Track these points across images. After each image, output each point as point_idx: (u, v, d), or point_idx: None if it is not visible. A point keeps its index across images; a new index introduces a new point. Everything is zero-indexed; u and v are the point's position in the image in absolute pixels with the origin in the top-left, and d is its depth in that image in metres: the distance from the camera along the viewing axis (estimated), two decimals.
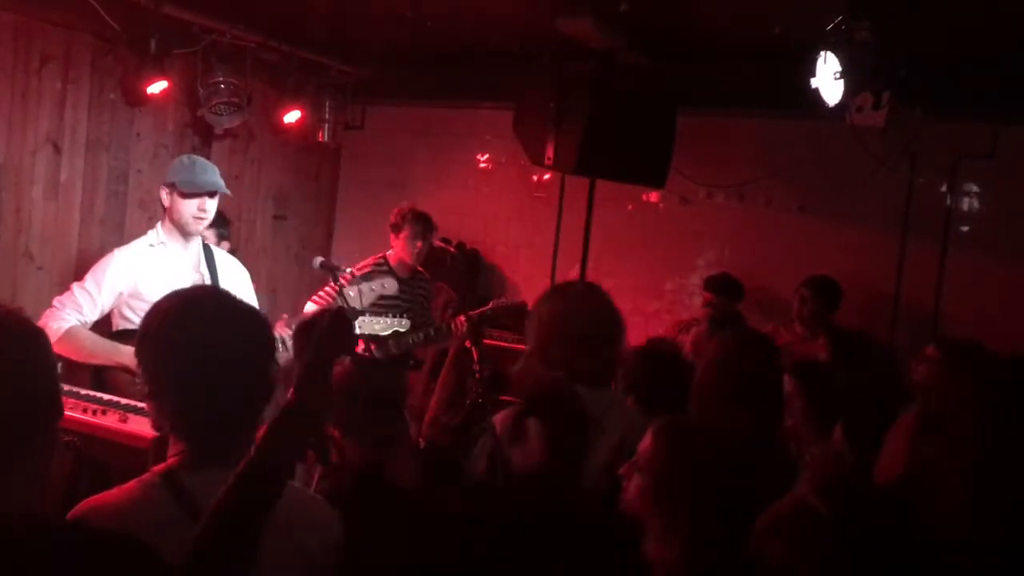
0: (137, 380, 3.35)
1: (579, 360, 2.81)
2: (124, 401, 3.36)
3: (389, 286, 5.01)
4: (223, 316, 1.88)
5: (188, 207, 3.79)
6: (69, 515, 1.72)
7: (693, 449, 2.11)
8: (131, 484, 1.78)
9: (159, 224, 3.92)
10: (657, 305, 6.34)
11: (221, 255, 4.06)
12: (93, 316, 3.76)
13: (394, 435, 2.55)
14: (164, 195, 3.83)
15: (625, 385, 3.25)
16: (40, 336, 1.53)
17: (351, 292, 4.86)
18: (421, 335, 4.86)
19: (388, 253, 5.29)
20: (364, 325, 4.24)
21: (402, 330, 4.40)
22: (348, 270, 4.83)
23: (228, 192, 4.02)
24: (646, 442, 2.15)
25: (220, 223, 4.86)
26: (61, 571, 1.03)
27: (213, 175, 3.87)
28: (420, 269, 5.36)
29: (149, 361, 1.85)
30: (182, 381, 1.80)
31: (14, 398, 1.42)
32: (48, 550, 1.04)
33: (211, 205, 3.84)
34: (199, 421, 1.80)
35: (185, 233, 3.86)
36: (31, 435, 1.44)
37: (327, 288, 4.95)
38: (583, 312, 2.87)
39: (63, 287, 3.97)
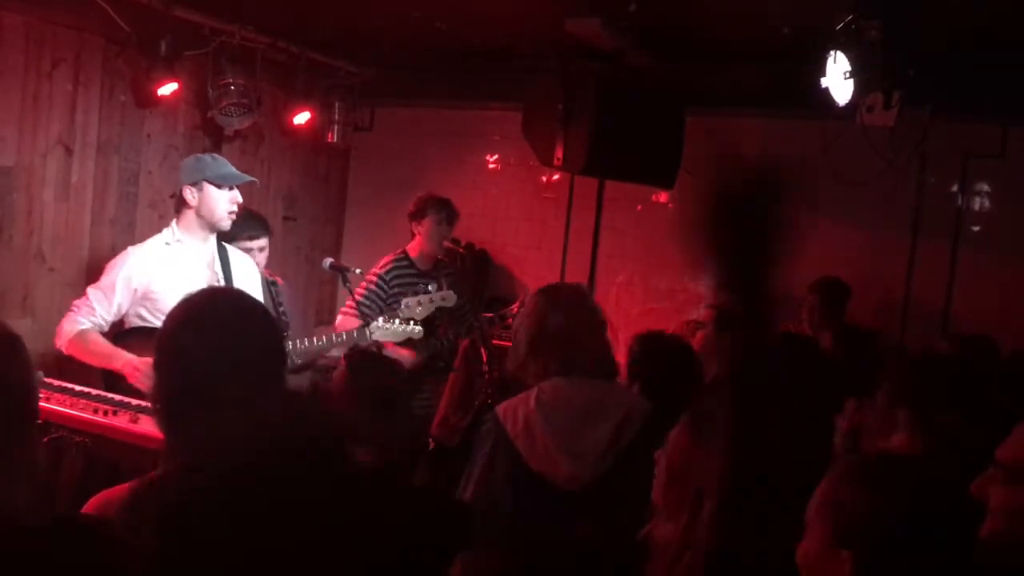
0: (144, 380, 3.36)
1: (572, 357, 2.85)
2: (135, 402, 3.37)
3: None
4: (237, 320, 1.91)
5: (222, 201, 3.85)
6: (83, 508, 1.75)
7: (707, 436, 2.12)
8: (144, 479, 1.81)
9: (174, 223, 3.94)
10: (667, 305, 6.32)
11: (235, 253, 4.08)
12: (110, 316, 3.78)
13: (396, 435, 2.56)
14: (190, 193, 3.83)
15: (629, 374, 3.29)
16: (12, 341, 1.54)
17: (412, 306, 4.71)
18: (442, 343, 4.80)
19: (407, 247, 5.16)
20: (377, 331, 4.23)
21: (415, 338, 4.38)
22: (358, 271, 4.82)
23: (256, 181, 4.12)
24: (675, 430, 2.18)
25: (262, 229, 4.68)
26: (35, 572, 1.02)
27: (234, 168, 3.96)
28: (442, 258, 5.21)
29: (166, 366, 1.87)
30: (199, 384, 1.82)
31: None
32: (19, 551, 1.03)
33: (239, 198, 3.92)
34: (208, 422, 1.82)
35: (213, 229, 3.90)
36: (3, 439, 1.45)
37: (357, 294, 4.87)
38: (559, 308, 2.92)
39: (75, 288, 4.00)
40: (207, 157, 3.97)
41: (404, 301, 4.38)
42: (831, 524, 1.55)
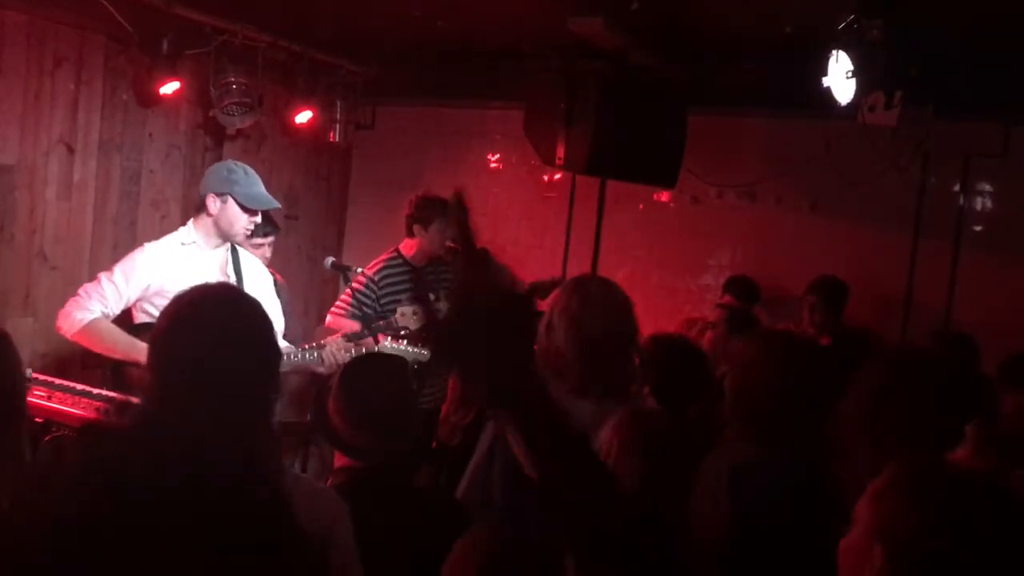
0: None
1: (593, 369, 2.71)
2: (136, 400, 3.37)
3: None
4: (230, 317, 1.90)
5: (242, 219, 3.87)
6: None
7: (641, 427, 2.12)
8: None
9: (191, 222, 3.95)
10: (668, 305, 6.32)
11: (247, 257, 4.09)
12: (117, 309, 3.78)
13: (396, 443, 2.54)
14: (214, 202, 3.83)
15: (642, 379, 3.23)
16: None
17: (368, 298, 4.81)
18: None
19: (401, 246, 5.14)
20: (385, 351, 4.22)
21: (422, 360, 4.34)
22: (359, 270, 4.82)
23: (280, 206, 4.18)
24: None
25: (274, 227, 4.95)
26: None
27: (263, 187, 3.96)
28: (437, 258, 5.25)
29: (160, 362, 1.87)
30: (194, 381, 1.82)
31: None
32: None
33: (259, 220, 3.98)
34: (211, 419, 1.82)
35: (226, 239, 3.92)
36: None
37: (344, 296, 4.89)
38: (598, 319, 2.74)
39: (76, 287, 3.98)
40: (239, 170, 3.91)
41: (384, 344, 4.29)
42: (874, 519, 1.54)
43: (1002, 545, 1.46)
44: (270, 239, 4.76)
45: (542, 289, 4.89)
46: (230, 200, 3.83)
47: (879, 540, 1.50)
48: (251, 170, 3.96)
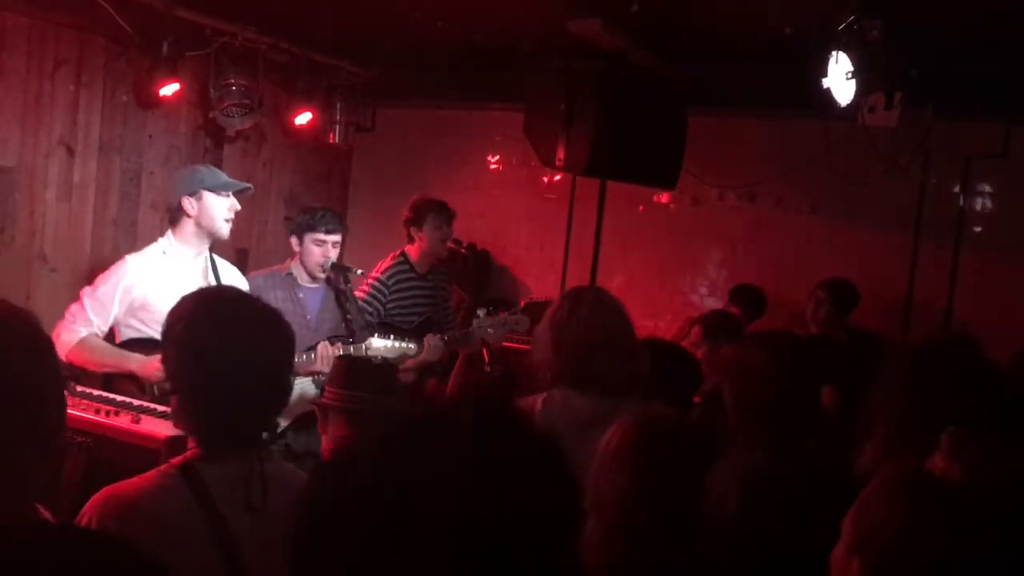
0: (154, 386, 3.40)
1: (587, 370, 2.85)
2: (136, 402, 3.37)
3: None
4: (243, 318, 1.93)
5: (221, 208, 3.84)
6: (87, 505, 1.76)
7: (651, 427, 2.14)
8: (149, 474, 1.86)
9: (169, 233, 3.91)
10: (668, 306, 6.32)
11: (224, 265, 4.07)
12: (105, 325, 3.76)
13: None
14: (189, 203, 3.80)
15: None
16: (36, 340, 1.50)
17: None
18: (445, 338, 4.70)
19: (406, 249, 5.12)
20: (372, 350, 4.21)
21: (411, 355, 4.34)
22: (359, 271, 4.82)
23: (252, 188, 4.10)
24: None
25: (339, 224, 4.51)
26: None
27: (229, 179, 3.97)
28: (438, 263, 5.23)
29: (171, 360, 1.89)
30: (202, 380, 1.86)
31: None
32: (14, 557, 1.00)
33: (238, 206, 3.93)
34: (217, 417, 1.87)
35: (211, 237, 3.90)
36: (15, 439, 1.41)
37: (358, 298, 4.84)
38: (592, 322, 2.90)
39: (76, 288, 3.98)
40: (202, 168, 3.97)
41: (373, 340, 4.21)
42: (855, 532, 1.59)
43: (961, 547, 1.51)
44: (333, 237, 4.35)
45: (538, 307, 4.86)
46: (204, 194, 3.82)
47: (857, 553, 1.56)
48: (214, 167, 4.01)
